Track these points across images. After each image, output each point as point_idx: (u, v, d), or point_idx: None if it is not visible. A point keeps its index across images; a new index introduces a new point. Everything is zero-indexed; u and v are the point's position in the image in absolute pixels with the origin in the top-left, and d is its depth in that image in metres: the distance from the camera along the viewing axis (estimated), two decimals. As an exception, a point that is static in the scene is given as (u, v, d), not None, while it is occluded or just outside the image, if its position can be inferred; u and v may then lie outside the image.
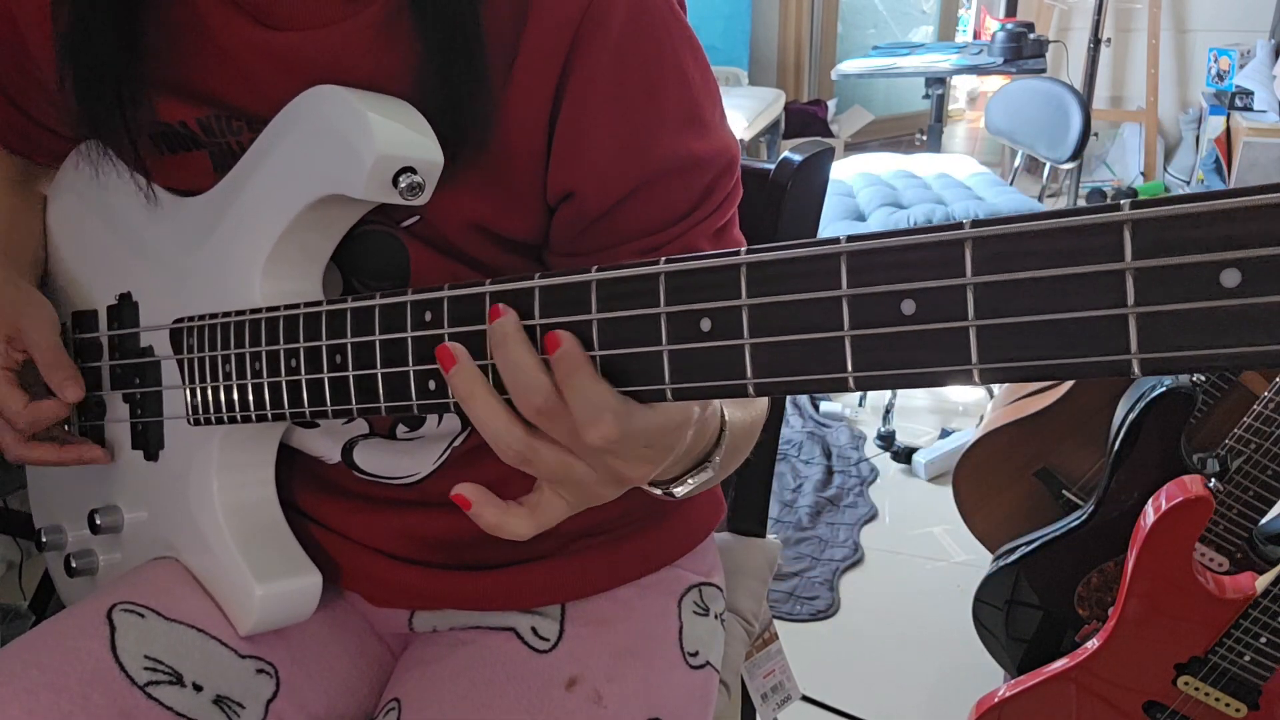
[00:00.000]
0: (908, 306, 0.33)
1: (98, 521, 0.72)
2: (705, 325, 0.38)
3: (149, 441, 0.70)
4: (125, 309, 0.71)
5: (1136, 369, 0.29)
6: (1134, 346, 0.29)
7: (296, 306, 0.56)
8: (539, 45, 0.58)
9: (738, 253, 0.37)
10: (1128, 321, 0.29)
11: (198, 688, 0.62)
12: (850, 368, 0.34)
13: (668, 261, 0.39)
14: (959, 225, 0.32)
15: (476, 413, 0.44)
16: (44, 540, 0.79)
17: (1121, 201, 0.29)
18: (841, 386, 0.35)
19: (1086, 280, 0.30)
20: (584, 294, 0.41)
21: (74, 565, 0.75)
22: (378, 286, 0.64)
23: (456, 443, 0.69)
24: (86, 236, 0.75)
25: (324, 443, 0.69)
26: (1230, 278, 0.27)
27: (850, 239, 0.34)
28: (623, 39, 0.58)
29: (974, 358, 0.32)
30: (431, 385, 0.49)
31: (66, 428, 0.76)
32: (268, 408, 0.59)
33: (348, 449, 0.69)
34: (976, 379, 0.32)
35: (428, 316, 0.48)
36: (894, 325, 0.33)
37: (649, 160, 0.59)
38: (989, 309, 0.31)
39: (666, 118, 0.59)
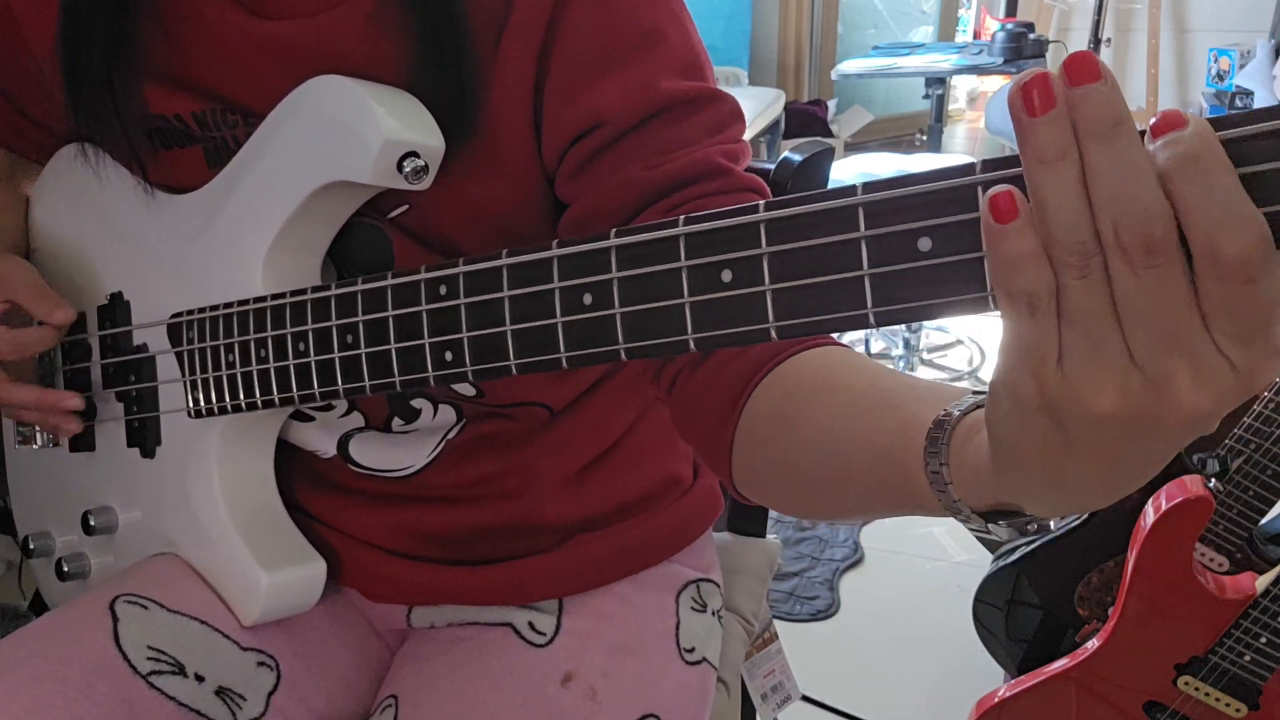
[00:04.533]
0: (924, 244, 0.35)
1: (92, 522, 0.72)
2: (726, 277, 0.39)
3: (146, 438, 0.70)
4: (117, 308, 0.70)
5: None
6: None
7: (304, 292, 0.57)
8: (526, 9, 0.58)
9: (757, 207, 0.38)
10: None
11: (200, 678, 0.62)
12: (870, 304, 0.36)
13: (686, 221, 0.40)
14: (971, 167, 0.34)
15: (1061, 182, 0.30)
16: (31, 548, 0.78)
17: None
18: (862, 323, 0.37)
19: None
20: (604, 258, 0.42)
21: (65, 569, 0.75)
22: None
23: (451, 435, 0.69)
24: (73, 238, 0.74)
25: (319, 437, 0.69)
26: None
27: (866, 186, 0.36)
28: None
29: (990, 286, 0.34)
30: (448, 356, 0.49)
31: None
32: (274, 393, 0.59)
33: (343, 443, 0.69)
34: (992, 305, 0.34)
35: (443, 290, 0.49)
36: (912, 261, 0.35)
37: (655, 94, 0.58)
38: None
39: (669, 61, 0.59)
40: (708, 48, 0.63)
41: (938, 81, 3.14)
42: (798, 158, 0.87)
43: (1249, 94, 3.33)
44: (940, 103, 3.18)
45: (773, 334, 0.38)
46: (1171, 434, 0.31)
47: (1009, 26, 3.23)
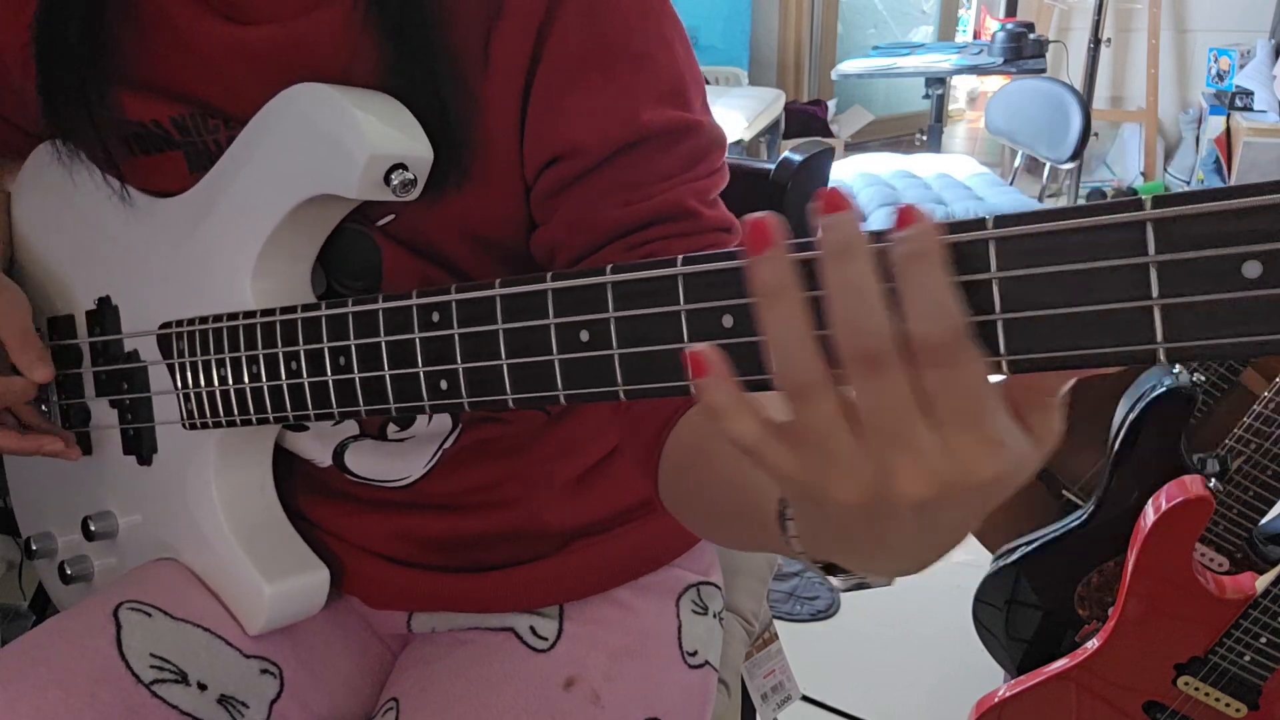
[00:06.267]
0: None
1: (92, 528, 0.72)
2: (728, 322, 0.38)
3: (141, 446, 0.69)
4: (106, 313, 0.69)
5: (1162, 357, 0.30)
6: (1160, 336, 0.30)
7: (293, 309, 0.55)
8: (515, 17, 0.57)
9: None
10: (1153, 312, 0.30)
11: (203, 687, 0.62)
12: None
13: (685, 262, 0.39)
14: (982, 222, 0.32)
15: (779, 316, 0.33)
16: (34, 549, 0.78)
17: (1143, 198, 0.30)
18: None
19: (1111, 274, 0.30)
20: (600, 295, 0.41)
21: (69, 572, 0.74)
22: (353, 285, 0.64)
23: (447, 444, 0.69)
24: (59, 238, 0.73)
25: (314, 446, 0.69)
26: (1252, 269, 0.28)
27: (872, 235, 0.34)
28: (599, 1, 0.57)
29: (1002, 349, 0.32)
30: (443, 385, 0.48)
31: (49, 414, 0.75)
32: (269, 411, 0.58)
33: (338, 452, 0.69)
34: (1005, 369, 0.33)
35: (435, 317, 0.48)
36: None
37: (634, 123, 0.58)
38: (1014, 303, 0.32)
39: (652, 85, 0.59)
40: (707, 48, 0.63)
41: (938, 81, 3.15)
42: (798, 158, 0.87)
43: (1249, 94, 3.33)
44: (940, 103, 3.18)
45: (776, 383, 0.36)
46: (915, 517, 0.33)
47: (1009, 26, 3.23)
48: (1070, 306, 0.31)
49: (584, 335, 0.42)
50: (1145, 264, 0.30)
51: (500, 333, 0.45)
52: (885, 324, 0.32)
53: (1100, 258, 0.30)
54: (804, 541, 0.40)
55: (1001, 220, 0.32)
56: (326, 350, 0.54)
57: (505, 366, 0.45)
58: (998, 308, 0.32)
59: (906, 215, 0.32)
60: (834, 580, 0.41)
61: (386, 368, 0.51)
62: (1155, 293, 0.30)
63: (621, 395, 0.41)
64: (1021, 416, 0.33)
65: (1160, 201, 0.29)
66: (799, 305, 0.33)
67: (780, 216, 0.34)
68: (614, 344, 0.41)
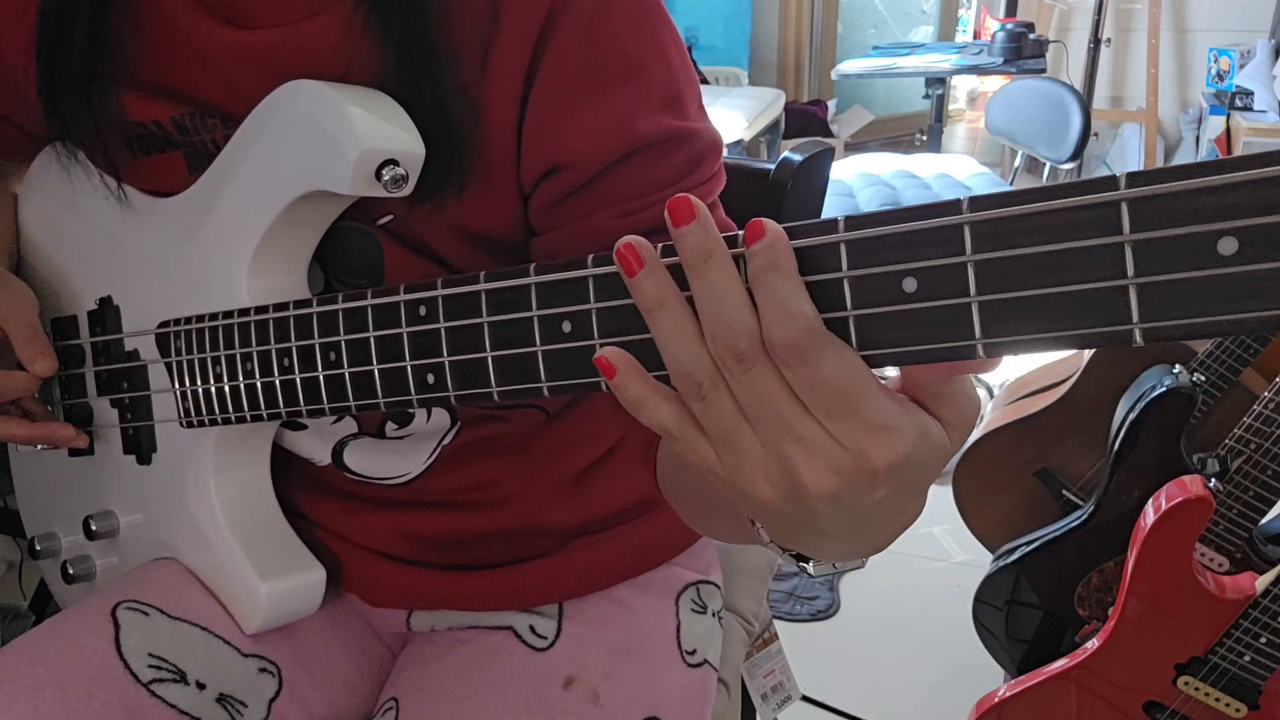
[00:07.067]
0: (909, 284, 0.33)
1: (93, 528, 0.72)
2: None
3: (141, 445, 0.69)
4: (107, 313, 0.70)
5: (1138, 338, 0.30)
6: (1136, 316, 0.30)
7: (286, 307, 0.56)
8: (514, 27, 0.57)
9: (735, 238, 0.37)
10: (1128, 292, 0.30)
11: (201, 686, 0.62)
12: (855, 347, 0.35)
13: (665, 253, 0.38)
14: (957, 204, 0.32)
15: (663, 326, 0.36)
16: (38, 548, 0.78)
17: (1117, 176, 0.29)
18: None
19: (1085, 254, 0.30)
20: (582, 287, 0.41)
21: (71, 571, 0.75)
22: (354, 284, 0.64)
23: (446, 440, 0.69)
24: (61, 240, 0.74)
25: (313, 444, 0.69)
26: (1227, 245, 0.28)
27: (848, 220, 0.34)
28: (597, 13, 0.57)
29: (977, 332, 0.32)
30: (430, 379, 0.48)
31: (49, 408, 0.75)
32: (263, 408, 0.59)
33: (337, 450, 0.69)
34: (981, 353, 0.33)
35: (422, 311, 0.48)
36: (896, 304, 0.34)
37: (631, 134, 0.58)
38: (990, 285, 0.32)
39: (649, 95, 0.59)
40: (707, 48, 0.63)
41: (938, 81, 3.14)
42: (798, 158, 0.87)
43: (1249, 94, 3.33)
44: (940, 103, 3.18)
45: None
46: (832, 507, 0.35)
47: (1009, 26, 3.23)
48: (1045, 288, 0.31)
49: (566, 326, 0.42)
50: (1120, 243, 0.30)
51: (485, 325, 0.45)
52: (749, 324, 0.34)
53: (1074, 238, 0.30)
54: (769, 533, 0.41)
55: (976, 201, 0.32)
56: (317, 346, 0.54)
57: (490, 359, 0.45)
58: (972, 290, 0.32)
59: (755, 229, 0.34)
60: (809, 567, 0.42)
61: (375, 362, 0.51)
62: (1130, 272, 0.29)
63: (603, 386, 0.41)
64: (922, 405, 0.35)
65: (1134, 179, 0.29)
66: (681, 312, 0.35)
67: (643, 244, 0.36)
68: (595, 334, 0.41)
